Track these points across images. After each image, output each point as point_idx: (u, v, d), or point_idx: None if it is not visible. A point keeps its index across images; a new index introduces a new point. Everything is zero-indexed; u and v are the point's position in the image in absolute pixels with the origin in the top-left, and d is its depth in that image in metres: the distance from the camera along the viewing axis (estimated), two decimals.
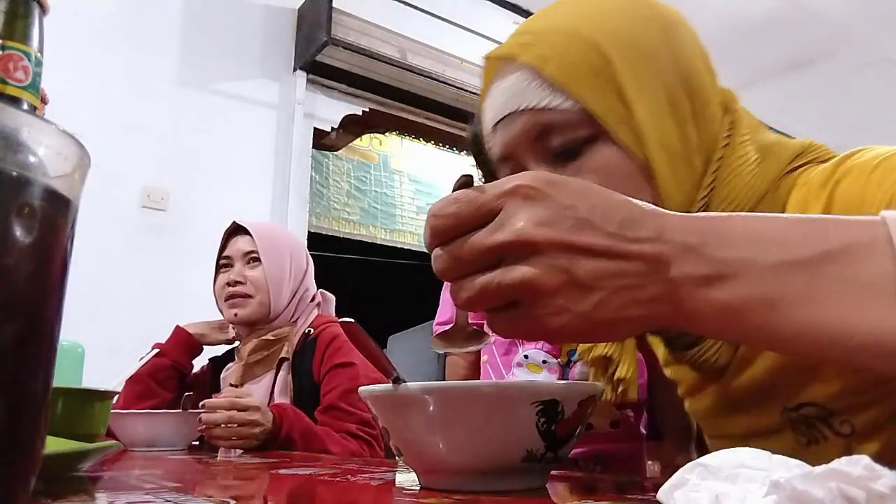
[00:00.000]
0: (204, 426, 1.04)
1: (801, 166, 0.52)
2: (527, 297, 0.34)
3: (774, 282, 0.32)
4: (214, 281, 1.39)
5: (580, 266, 0.33)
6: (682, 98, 0.51)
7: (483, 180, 0.71)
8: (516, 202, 0.34)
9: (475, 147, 1.01)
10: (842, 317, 0.31)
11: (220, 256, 1.39)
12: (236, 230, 1.39)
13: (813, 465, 0.25)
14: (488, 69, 0.57)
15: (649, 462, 0.96)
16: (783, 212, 0.49)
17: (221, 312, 1.37)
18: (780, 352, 0.45)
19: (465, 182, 0.36)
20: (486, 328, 0.41)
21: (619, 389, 0.56)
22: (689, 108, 0.52)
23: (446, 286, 1.11)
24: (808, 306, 0.32)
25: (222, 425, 1.04)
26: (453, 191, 0.36)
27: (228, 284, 1.33)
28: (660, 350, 0.61)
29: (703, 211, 0.50)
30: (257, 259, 1.35)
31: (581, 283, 0.33)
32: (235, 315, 1.32)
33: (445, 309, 1.13)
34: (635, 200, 0.36)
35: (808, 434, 0.51)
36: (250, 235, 1.37)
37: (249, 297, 1.32)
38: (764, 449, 0.27)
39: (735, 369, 0.53)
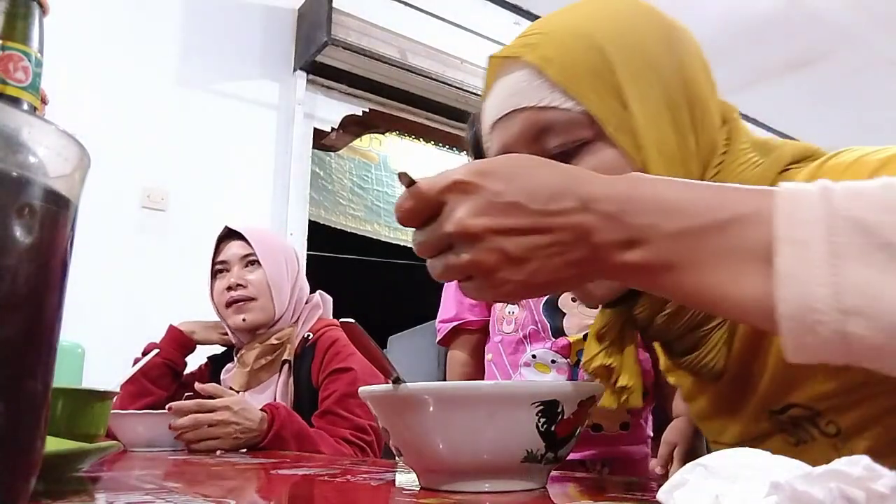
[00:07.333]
0: (178, 432, 1.04)
1: (795, 166, 0.53)
2: (475, 273, 0.40)
3: (671, 248, 0.37)
4: (211, 289, 1.37)
5: (512, 244, 0.38)
6: (682, 106, 0.52)
7: None
8: (455, 196, 0.40)
9: (475, 149, 1.02)
10: (719, 282, 0.36)
11: (214, 262, 1.38)
12: (228, 235, 1.38)
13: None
14: (492, 69, 0.58)
15: (652, 461, 0.96)
16: None
17: (224, 320, 1.36)
18: (691, 307, 0.51)
19: (409, 180, 0.41)
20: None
21: (623, 398, 0.56)
22: (689, 116, 0.53)
23: (447, 285, 1.11)
24: (695, 270, 0.36)
25: (206, 427, 1.03)
26: (405, 188, 0.41)
27: (229, 289, 1.32)
28: (661, 357, 0.62)
29: None
30: (254, 262, 1.34)
31: (515, 258, 0.39)
32: (244, 320, 1.31)
33: (449, 306, 1.13)
34: (563, 167, 0.41)
35: (796, 434, 0.51)
36: (243, 239, 1.36)
37: (252, 300, 1.32)
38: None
39: (729, 374, 0.53)
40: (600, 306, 0.57)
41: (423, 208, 0.41)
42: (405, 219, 0.42)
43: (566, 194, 0.38)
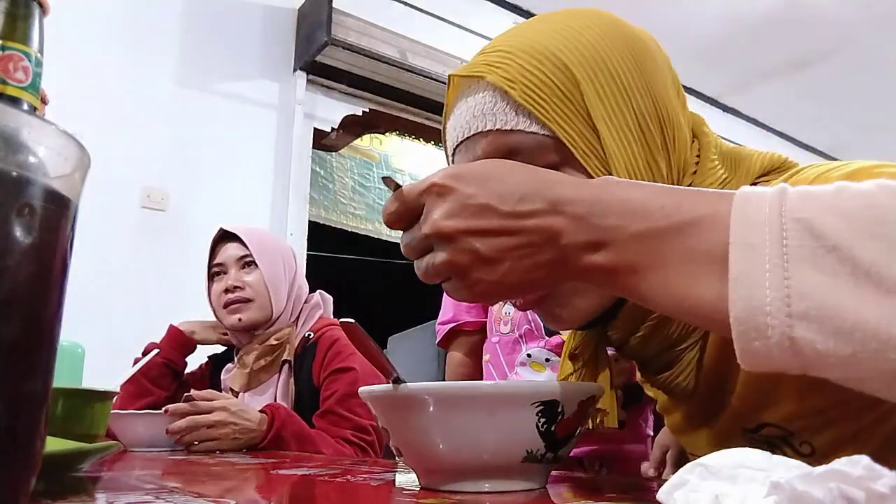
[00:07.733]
0: (177, 436, 1.04)
1: (764, 178, 0.52)
2: (452, 274, 0.41)
3: (634, 249, 0.37)
4: (209, 291, 1.38)
5: (484, 245, 0.39)
6: (653, 126, 0.51)
7: None
8: (431, 199, 0.41)
9: None
10: (678, 284, 0.36)
11: (211, 265, 1.38)
12: (224, 236, 1.38)
13: None
14: (453, 87, 0.56)
15: (644, 463, 0.96)
16: None
17: (221, 321, 1.36)
18: (657, 311, 0.48)
19: (395, 184, 0.43)
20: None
21: (598, 420, 0.56)
22: (660, 136, 0.51)
23: None
24: (657, 273, 0.36)
25: (204, 429, 1.04)
26: (391, 192, 0.43)
27: (227, 291, 1.32)
28: (638, 371, 0.62)
29: None
30: (251, 263, 1.34)
31: (487, 259, 0.39)
32: (239, 320, 1.31)
33: (447, 309, 1.14)
34: (537, 171, 0.42)
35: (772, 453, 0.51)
36: (239, 241, 1.36)
37: (250, 301, 1.31)
38: None
39: (700, 392, 0.53)
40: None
41: (404, 211, 0.43)
42: (390, 222, 0.44)
43: (536, 196, 0.39)
